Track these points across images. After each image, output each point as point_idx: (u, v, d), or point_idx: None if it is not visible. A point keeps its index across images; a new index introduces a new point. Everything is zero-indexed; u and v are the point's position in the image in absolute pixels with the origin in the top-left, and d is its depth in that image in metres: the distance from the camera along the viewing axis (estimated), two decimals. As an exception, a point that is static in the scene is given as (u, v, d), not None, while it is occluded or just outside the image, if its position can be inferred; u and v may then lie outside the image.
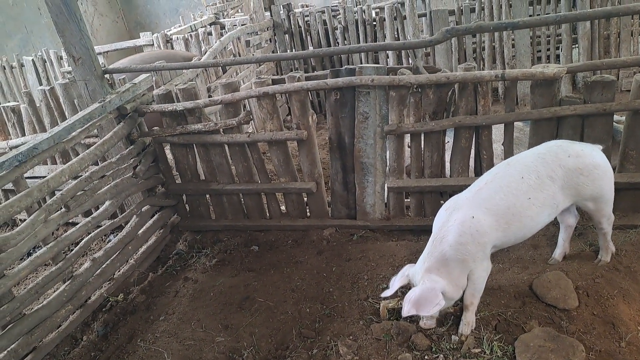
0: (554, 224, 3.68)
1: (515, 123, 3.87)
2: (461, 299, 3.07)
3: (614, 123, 3.74)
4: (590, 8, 6.41)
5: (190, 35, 7.43)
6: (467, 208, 2.94)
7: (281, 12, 8.74)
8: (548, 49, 7.14)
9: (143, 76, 4.52)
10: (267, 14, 8.99)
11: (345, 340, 3.14)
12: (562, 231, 3.45)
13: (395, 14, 7.75)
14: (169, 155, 4.83)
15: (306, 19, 8.64)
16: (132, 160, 4.30)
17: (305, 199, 4.58)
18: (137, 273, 4.30)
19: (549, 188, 2.94)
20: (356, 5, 9.30)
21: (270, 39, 8.81)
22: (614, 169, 3.41)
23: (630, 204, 3.76)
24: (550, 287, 3.19)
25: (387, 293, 3.07)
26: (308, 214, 4.59)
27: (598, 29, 6.40)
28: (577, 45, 6.75)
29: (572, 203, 3.11)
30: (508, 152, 3.89)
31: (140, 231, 4.37)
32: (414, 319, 3.18)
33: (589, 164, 2.98)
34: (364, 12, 8.05)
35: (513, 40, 6.96)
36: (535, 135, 3.75)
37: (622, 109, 3.46)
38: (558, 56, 7.11)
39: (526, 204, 2.91)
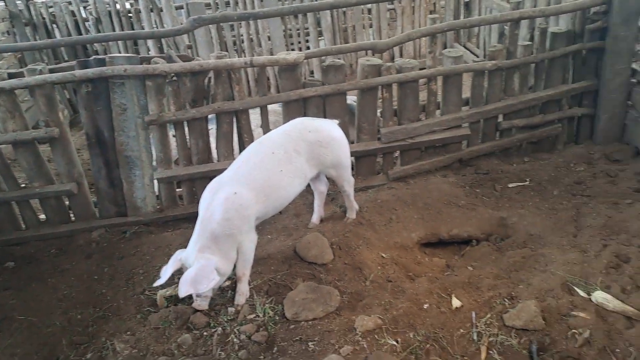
0: (311, 193, 4.15)
1: (275, 108, 4.23)
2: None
3: (352, 102, 4.38)
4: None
5: None
6: (229, 186, 3.14)
7: (18, 1, 7.77)
8: (299, 41, 7.87)
9: None
10: (2, 3, 7.89)
11: (121, 337, 3.07)
12: (316, 198, 3.92)
13: (151, 6, 7.58)
14: None
15: (51, 9, 7.85)
16: None
17: (67, 202, 4.25)
18: None
19: (296, 160, 3.32)
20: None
21: (8, 32, 7.76)
22: (353, 141, 4.02)
23: (368, 168, 4.45)
24: (310, 247, 3.61)
25: (160, 282, 3.08)
26: (72, 217, 4.28)
27: (337, 22, 7.32)
28: (323, 37, 7.60)
29: (318, 171, 3.57)
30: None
31: None
32: (191, 301, 3.27)
33: (327, 137, 3.45)
34: (117, 3, 7.68)
35: (269, 32, 7.47)
36: (287, 115, 4.16)
37: (352, 88, 4.06)
38: (309, 47, 7.88)
39: (279, 176, 3.24)
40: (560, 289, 3.22)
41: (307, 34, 7.56)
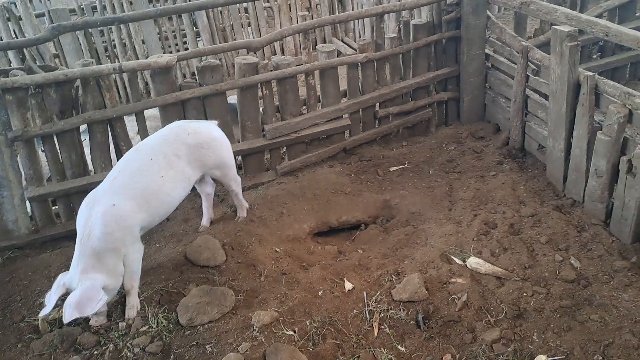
0: (199, 196, 4.09)
1: (155, 113, 4.09)
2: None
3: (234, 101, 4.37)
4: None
5: None
6: (106, 198, 3.00)
7: None
8: (177, 43, 7.65)
9: None
10: None
11: (1, 371, 2.84)
12: (204, 200, 3.88)
13: (7, 15, 6.97)
14: None
15: None
16: None
17: None
18: None
19: (177, 165, 3.26)
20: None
21: None
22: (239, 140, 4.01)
23: (256, 165, 4.48)
24: (201, 250, 3.56)
25: (45, 310, 2.89)
26: None
27: (215, 22, 7.24)
28: (201, 38, 7.47)
29: (203, 174, 3.53)
30: (145, 140, 4.10)
31: None
32: (78, 322, 3.09)
33: (207, 138, 3.42)
34: (-32, 13, 6.96)
35: (143, 36, 7.19)
36: (166, 120, 4.05)
37: (230, 87, 4.06)
38: (187, 49, 7.71)
39: (160, 182, 3.16)
40: (439, 259, 3.49)
41: (185, 35, 7.40)
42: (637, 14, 5.36)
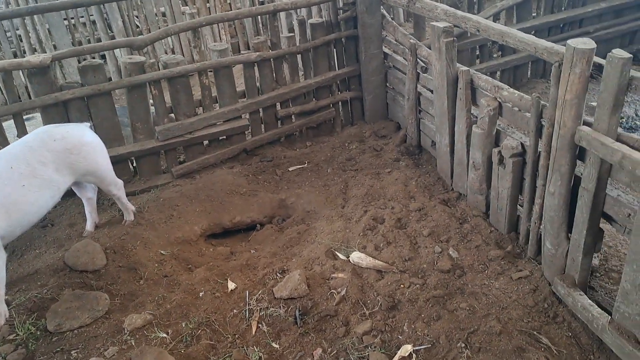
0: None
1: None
2: None
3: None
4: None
5: None
6: None
7: None
8: (95, 49, 7.41)
9: None
10: None
11: None
12: (86, 205, 3.73)
13: None
14: None
15: None
16: None
17: None
18: None
19: (42, 172, 3.08)
20: None
21: None
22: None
23: (150, 168, 4.36)
24: (80, 255, 3.41)
25: None
26: None
27: (131, 26, 7.08)
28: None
29: (75, 180, 3.36)
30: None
31: None
32: None
33: (77, 143, 3.25)
34: None
35: (54, 42, 6.95)
36: (47, 122, 3.88)
37: (114, 87, 3.94)
38: (104, 55, 7.46)
39: (22, 191, 2.99)
40: (324, 255, 3.47)
41: (99, 40, 7.17)
42: (533, 14, 5.57)
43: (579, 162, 2.73)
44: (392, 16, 7.59)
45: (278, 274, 3.41)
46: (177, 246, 3.79)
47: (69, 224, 3.92)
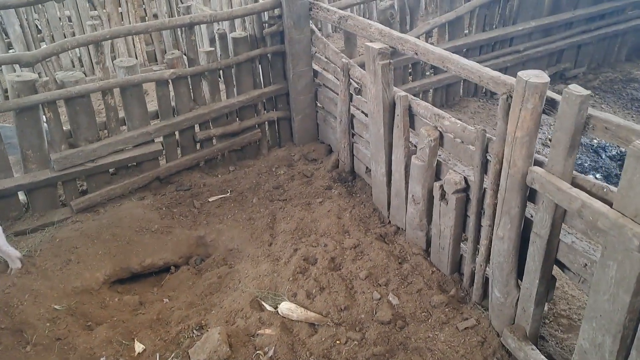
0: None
1: None
2: None
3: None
4: None
5: None
6: None
7: None
8: None
9: None
10: None
11: None
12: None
13: None
14: None
15: None
16: None
17: None
18: None
19: None
20: None
21: None
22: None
23: (45, 202, 3.73)
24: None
25: None
26: None
27: (30, 31, 6.27)
28: (14, 49, 6.41)
29: None
30: None
31: None
32: None
33: None
34: None
35: None
36: None
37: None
38: None
39: None
40: (249, 306, 3.03)
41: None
42: (465, 32, 5.44)
43: (529, 203, 2.49)
44: (319, 27, 7.27)
45: (195, 331, 2.94)
46: (74, 298, 3.20)
47: None
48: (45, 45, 4.87)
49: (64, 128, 3.64)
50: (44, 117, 3.54)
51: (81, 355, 2.78)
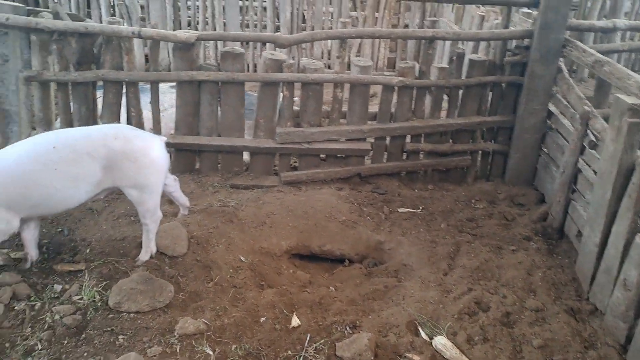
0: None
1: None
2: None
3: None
4: None
5: None
6: None
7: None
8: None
9: None
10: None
11: None
12: (172, 193, 3.58)
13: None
14: None
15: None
16: None
17: None
18: None
19: (87, 165, 2.90)
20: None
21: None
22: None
23: (262, 167, 4.20)
24: (164, 236, 3.32)
25: None
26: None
27: (297, 20, 7.10)
28: (280, 33, 7.33)
29: (116, 186, 3.08)
30: (155, 112, 3.97)
31: None
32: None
33: (137, 151, 2.99)
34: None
35: (225, 19, 7.22)
36: (180, 97, 3.91)
37: (248, 79, 3.83)
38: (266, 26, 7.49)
39: (52, 174, 2.85)
40: (405, 326, 2.97)
41: (265, 27, 7.31)
42: None
43: None
44: (573, 68, 6.66)
45: (347, 328, 3.00)
46: (258, 256, 3.56)
47: (167, 200, 3.87)
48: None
49: (294, 108, 4.05)
50: (281, 94, 3.98)
51: (247, 308, 3.07)
